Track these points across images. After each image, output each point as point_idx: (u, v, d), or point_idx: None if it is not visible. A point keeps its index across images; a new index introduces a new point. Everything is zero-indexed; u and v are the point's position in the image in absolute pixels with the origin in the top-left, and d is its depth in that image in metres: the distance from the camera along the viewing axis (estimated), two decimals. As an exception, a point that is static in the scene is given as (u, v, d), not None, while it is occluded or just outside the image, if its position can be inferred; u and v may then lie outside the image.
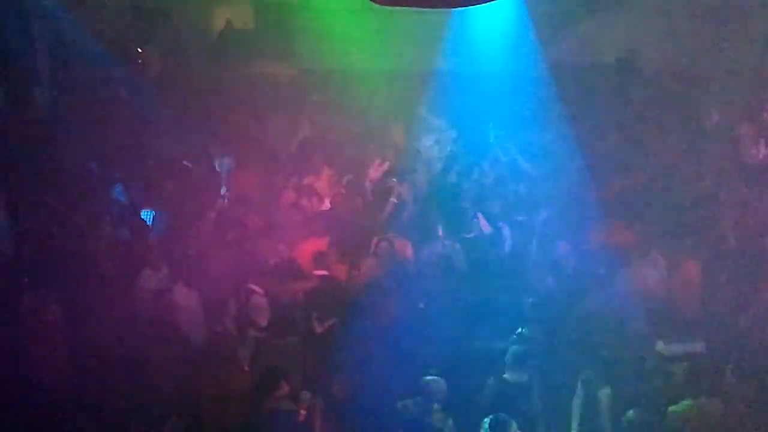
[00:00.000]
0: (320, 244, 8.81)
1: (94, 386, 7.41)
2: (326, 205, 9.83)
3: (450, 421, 6.46)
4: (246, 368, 7.01)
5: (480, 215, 8.83)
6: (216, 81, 11.17)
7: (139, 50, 11.28)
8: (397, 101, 11.34)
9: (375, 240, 8.81)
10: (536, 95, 10.44)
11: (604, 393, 6.80)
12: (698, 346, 7.38)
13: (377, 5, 7.63)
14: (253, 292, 8.03)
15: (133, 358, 7.32)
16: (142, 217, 9.37)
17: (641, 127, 10.01)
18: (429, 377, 6.58)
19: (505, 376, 6.80)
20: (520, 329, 7.27)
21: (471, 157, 10.53)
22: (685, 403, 6.48)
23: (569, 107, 10.15)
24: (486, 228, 8.78)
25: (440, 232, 8.88)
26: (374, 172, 10.03)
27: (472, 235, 8.78)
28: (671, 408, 6.44)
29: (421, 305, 7.71)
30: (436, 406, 6.40)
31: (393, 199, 9.63)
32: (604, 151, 10.01)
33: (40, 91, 10.82)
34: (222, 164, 10.50)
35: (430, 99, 10.96)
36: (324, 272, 8.25)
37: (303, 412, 6.51)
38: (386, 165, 10.04)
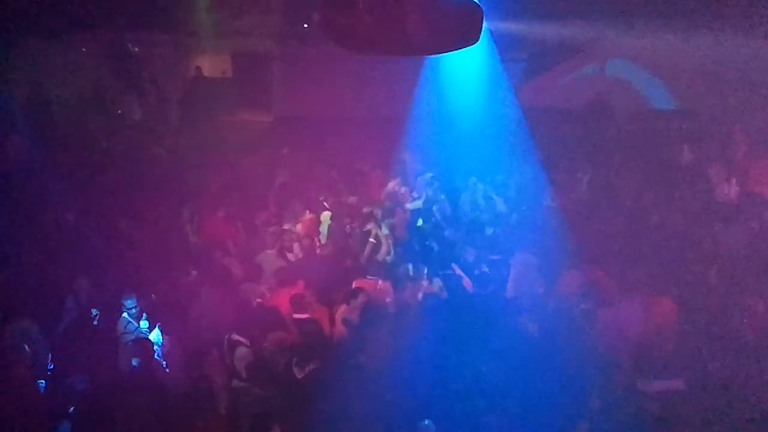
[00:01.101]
0: (300, 288, 8.82)
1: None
2: (307, 249, 9.88)
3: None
4: (223, 414, 6.95)
5: (455, 266, 8.85)
6: (194, 128, 11.27)
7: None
8: (373, 146, 11.49)
9: (353, 284, 8.85)
10: (510, 138, 10.63)
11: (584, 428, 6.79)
12: (677, 384, 7.41)
13: (350, 53, 7.76)
14: (237, 342, 8.01)
15: (111, 406, 7.28)
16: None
17: (614, 168, 10.21)
18: (421, 423, 6.54)
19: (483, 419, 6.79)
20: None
21: (448, 198, 10.68)
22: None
23: (542, 150, 10.34)
24: (462, 276, 8.82)
25: (418, 274, 8.89)
26: (354, 216, 10.11)
27: (450, 273, 8.80)
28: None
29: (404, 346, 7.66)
30: None
31: (372, 240, 9.70)
32: (577, 193, 10.18)
33: (18, 139, 10.86)
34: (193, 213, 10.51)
35: (405, 143, 11.09)
36: (305, 316, 8.22)
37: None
38: (366, 208, 10.13)
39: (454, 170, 10.82)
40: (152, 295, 8.79)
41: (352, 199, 11.15)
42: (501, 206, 10.24)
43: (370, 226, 9.94)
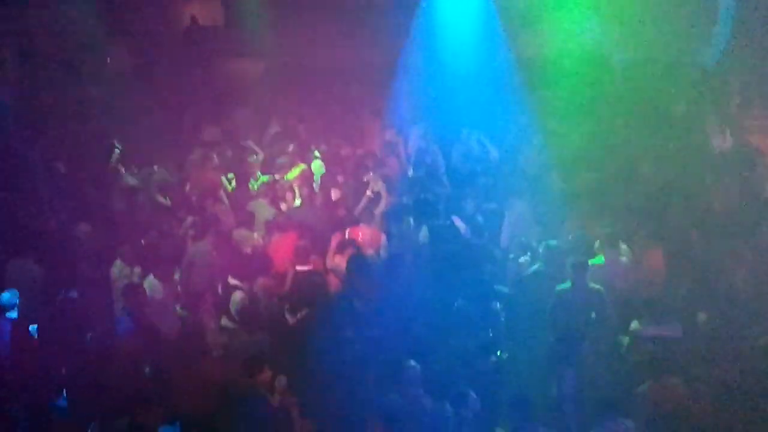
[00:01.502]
0: (294, 237, 8.83)
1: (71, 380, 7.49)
2: (300, 199, 9.86)
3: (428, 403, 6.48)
4: (216, 357, 7.00)
5: (456, 218, 8.83)
6: (185, 77, 11.14)
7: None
8: (366, 95, 11.37)
9: (347, 233, 8.86)
10: (505, 89, 10.55)
11: (572, 374, 6.87)
12: (672, 330, 7.44)
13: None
14: (234, 286, 8.05)
15: (109, 350, 7.34)
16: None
17: (608, 119, 10.16)
18: (406, 363, 6.58)
19: (473, 362, 6.84)
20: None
21: (443, 149, 10.64)
22: (649, 384, 6.54)
23: (537, 101, 10.27)
24: (461, 226, 8.80)
25: (410, 223, 8.88)
26: (347, 166, 10.07)
27: (445, 223, 8.79)
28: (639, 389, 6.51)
29: (393, 294, 7.69)
30: (414, 391, 6.41)
31: (369, 193, 9.66)
32: (572, 143, 10.13)
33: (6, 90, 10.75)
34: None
35: (398, 93, 10.99)
36: (305, 267, 8.24)
37: (277, 397, 6.51)
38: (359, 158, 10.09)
39: (448, 120, 10.73)
40: (144, 242, 8.82)
41: (346, 150, 11.11)
42: (495, 155, 10.18)
43: (367, 177, 9.90)
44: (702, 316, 7.22)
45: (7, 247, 8.64)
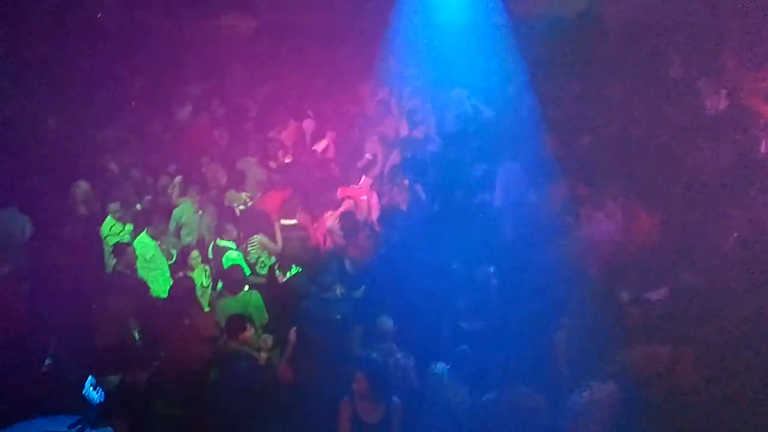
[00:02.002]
0: (286, 194, 8.81)
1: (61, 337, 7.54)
2: (291, 157, 9.82)
3: (411, 361, 6.56)
4: (208, 312, 7.06)
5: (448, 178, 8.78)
6: (176, 32, 10.99)
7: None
8: (363, 54, 11.23)
9: (339, 192, 8.86)
10: (499, 49, 10.43)
11: (559, 338, 6.90)
12: (659, 293, 7.46)
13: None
14: (224, 248, 8.07)
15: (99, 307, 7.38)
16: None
17: (602, 80, 10.07)
18: (380, 318, 6.66)
19: (461, 324, 6.89)
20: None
21: (435, 109, 10.57)
22: (634, 346, 6.59)
23: (531, 61, 10.16)
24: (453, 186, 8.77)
25: (405, 183, 8.87)
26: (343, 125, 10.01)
27: (437, 183, 8.79)
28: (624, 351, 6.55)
29: (384, 254, 7.72)
30: (391, 345, 6.48)
31: (368, 155, 9.63)
32: (565, 104, 10.07)
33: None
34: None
35: (391, 51, 10.86)
36: (292, 222, 8.23)
37: (263, 355, 6.57)
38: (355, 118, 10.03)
39: (441, 79, 10.63)
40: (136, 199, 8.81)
41: (339, 109, 11.01)
42: (488, 115, 10.12)
43: (363, 137, 9.86)
44: (689, 280, 7.21)
45: None
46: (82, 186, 8.60)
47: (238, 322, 6.52)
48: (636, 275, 7.47)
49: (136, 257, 7.86)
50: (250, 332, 6.52)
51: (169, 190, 9.04)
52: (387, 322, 6.56)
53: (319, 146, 10.01)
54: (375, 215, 8.66)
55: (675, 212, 8.10)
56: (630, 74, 10.26)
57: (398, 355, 6.42)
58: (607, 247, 7.89)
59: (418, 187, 8.74)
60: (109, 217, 8.36)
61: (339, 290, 7.00)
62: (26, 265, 8.07)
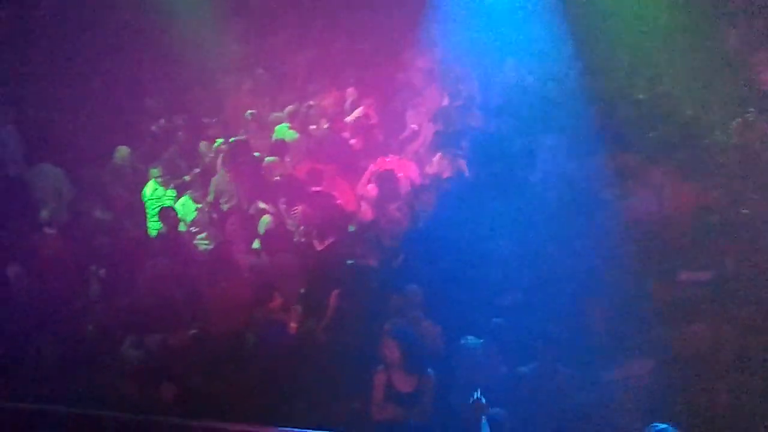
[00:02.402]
0: (323, 165, 8.81)
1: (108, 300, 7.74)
2: (332, 126, 9.80)
3: (439, 329, 6.57)
4: (245, 276, 7.14)
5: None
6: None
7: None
8: (408, 21, 11.05)
9: (378, 161, 8.83)
10: (547, 19, 10.20)
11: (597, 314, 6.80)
12: (701, 274, 7.30)
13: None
14: (263, 210, 8.14)
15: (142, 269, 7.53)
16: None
17: (652, 51, 9.77)
18: (408, 286, 6.67)
19: (497, 298, 6.86)
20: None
21: (480, 79, 10.42)
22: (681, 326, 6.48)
23: (580, 31, 9.92)
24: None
25: (445, 154, 8.77)
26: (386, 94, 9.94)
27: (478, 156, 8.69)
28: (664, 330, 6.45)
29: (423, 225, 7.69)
30: (418, 314, 6.50)
31: (414, 126, 9.54)
32: (613, 76, 9.83)
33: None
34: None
35: (438, 19, 10.68)
36: (319, 188, 8.25)
37: (293, 325, 6.63)
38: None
39: (487, 48, 10.43)
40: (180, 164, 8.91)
41: (381, 77, 10.91)
42: (534, 85, 9.92)
43: (406, 106, 9.76)
44: (730, 261, 7.04)
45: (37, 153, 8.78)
46: (122, 150, 8.73)
47: (265, 291, 6.58)
48: (679, 252, 7.30)
49: (179, 221, 7.99)
50: (277, 301, 6.58)
51: (211, 155, 9.12)
52: (414, 291, 6.57)
53: (353, 116, 9.92)
54: (413, 187, 8.58)
55: (723, 189, 7.90)
56: (681, 46, 9.92)
57: (424, 323, 6.46)
58: (650, 222, 7.77)
59: (459, 159, 8.63)
60: (151, 181, 8.48)
61: (374, 259, 7.00)
62: (69, 225, 8.26)
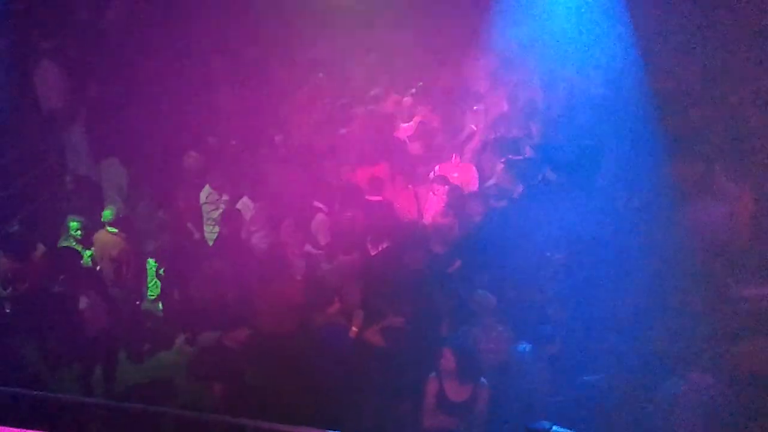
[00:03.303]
0: (382, 168, 8.80)
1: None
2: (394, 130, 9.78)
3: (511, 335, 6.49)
4: (299, 280, 7.18)
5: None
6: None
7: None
8: (472, 25, 10.92)
9: (438, 169, 8.78)
10: (612, 24, 9.96)
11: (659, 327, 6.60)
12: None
13: None
14: (317, 209, 8.18)
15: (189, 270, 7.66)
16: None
17: (725, 52, 9.41)
18: (479, 292, 6.61)
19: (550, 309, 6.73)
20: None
21: (542, 85, 10.25)
22: (744, 342, 6.25)
23: (645, 35, 9.66)
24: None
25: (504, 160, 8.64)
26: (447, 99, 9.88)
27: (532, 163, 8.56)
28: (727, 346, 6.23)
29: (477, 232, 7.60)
30: (491, 320, 6.48)
31: (473, 126, 9.46)
32: (682, 79, 9.53)
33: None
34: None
35: (504, 23, 10.53)
36: (378, 198, 8.24)
37: (355, 329, 6.63)
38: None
39: (550, 54, 10.24)
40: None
41: (443, 82, 10.84)
42: (598, 92, 9.70)
43: (466, 111, 9.69)
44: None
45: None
46: (193, 156, 8.92)
47: (324, 296, 6.60)
48: (747, 265, 7.05)
49: (243, 222, 8.10)
50: (336, 306, 6.59)
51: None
52: (488, 297, 6.55)
53: (414, 121, 9.88)
54: (468, 192, 8.49)
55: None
56: (755, 48, 9.53)
57: (500, 328, 6.45)
58: (715, 233, 7.52)
59: (518, 165, 8.50)
60: (207, 186, 8.62)
61: (425, 265, 6.96)
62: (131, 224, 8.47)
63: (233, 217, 8.05)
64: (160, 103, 9.57)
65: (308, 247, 7.74)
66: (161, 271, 8.41)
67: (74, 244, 7.91)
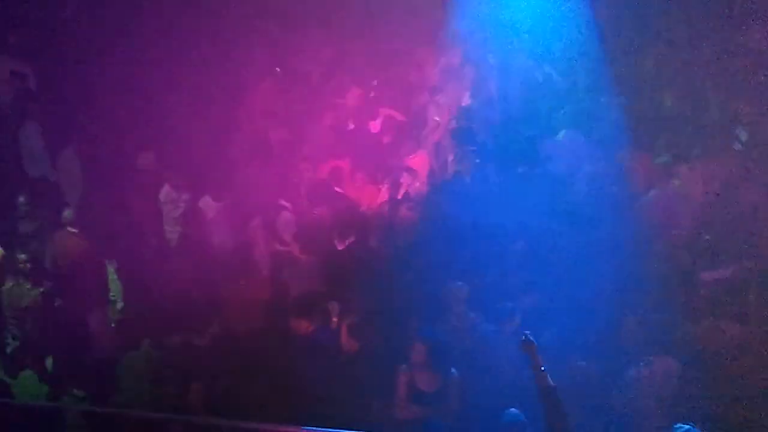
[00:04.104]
0: (345, 162, 8.80)
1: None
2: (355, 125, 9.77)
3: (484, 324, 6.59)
4: (266, 276, 7.17)
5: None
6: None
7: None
8: (430, 18, 10.95)
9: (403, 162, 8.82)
10: (571, 18, 10.06)
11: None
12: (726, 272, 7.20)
13: None
14: (282, 207, 8.15)
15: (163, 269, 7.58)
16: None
17: (681, 47, 9.60)
18: (452, 282, 6.70)
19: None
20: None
21: (501, 76, 10.32)
22: (705, 324, 6.42)
23: (606, 26, 9.79)
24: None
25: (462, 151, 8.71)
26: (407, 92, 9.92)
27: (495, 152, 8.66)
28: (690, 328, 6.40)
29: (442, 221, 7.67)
30: (464, 309, 6.59)
31: (437, 118, 9.51)
32: (640, 71, 9.69)
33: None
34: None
35: (460, 16, 10.57)
36: (341, 190, 8.25)
37: (335, 319, 6.66)
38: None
39: (509, 45, 10.32)
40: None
41: (403, 75, 10.85)
42: (558, 82, 9.81)
43: (427, 104, 9.74)
44: (753, 259, 6.92)
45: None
46: (147, 156, 8.82)
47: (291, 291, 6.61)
48: (706, 249, 7.23)
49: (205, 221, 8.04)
50: (304, 302, 6.59)
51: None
52: (460, 287, 6.65)
53: (373, 125, 9.92)
54: (427, 185, 8.56)
55: (750, 187, 7.77)
56: (711, 37, 9.71)
57: (472, 315, 6.56)
58: (674, 220, 7.69)
59: (477, 157, 8.59)
60: (166, 185, 8.54)
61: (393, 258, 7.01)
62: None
63: (194, 217, 7.99)
64: (116, 102, 9.42)
65: (275, 245, 7.71)
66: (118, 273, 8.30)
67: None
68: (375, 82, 10.57)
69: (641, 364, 6.05)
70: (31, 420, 5.89)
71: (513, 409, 5.42)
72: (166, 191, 8.55)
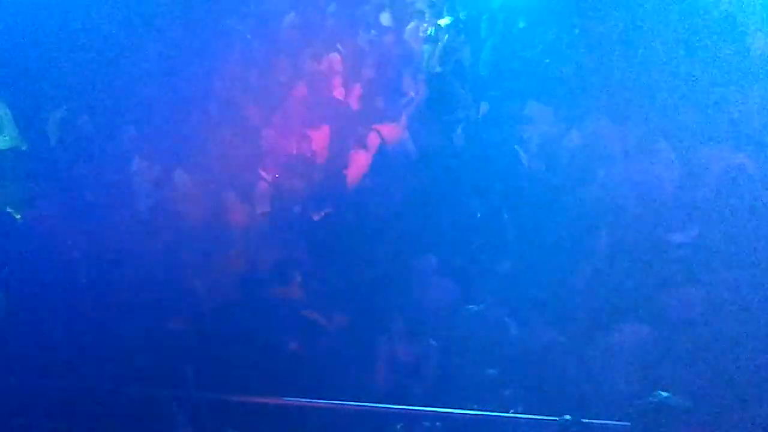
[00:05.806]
0: (322, 130, 8.77)
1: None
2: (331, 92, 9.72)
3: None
4: (240, 249, 7.18)
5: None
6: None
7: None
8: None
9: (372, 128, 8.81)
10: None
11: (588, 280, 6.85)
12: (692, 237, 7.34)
13: None
14: (259, 178, 8.13)
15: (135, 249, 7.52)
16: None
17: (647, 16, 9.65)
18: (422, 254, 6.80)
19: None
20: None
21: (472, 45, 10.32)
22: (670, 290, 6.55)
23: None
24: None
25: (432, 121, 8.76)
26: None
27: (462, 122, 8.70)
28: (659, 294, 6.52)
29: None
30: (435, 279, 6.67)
31: (412, 94, 9.51)
32: (607, 41, 9.74)
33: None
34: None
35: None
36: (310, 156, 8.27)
37: (297, 296, 6.70)
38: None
39: (473, 13, 10.33)
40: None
41: (371, 43, 10.77)
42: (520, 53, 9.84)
43: (399, 73, 9.72)
44: (723, 224, 7.07)
45: None
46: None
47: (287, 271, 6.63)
48: (674, 210, 7.32)
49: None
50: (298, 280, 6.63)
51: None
52: (428, 257, 6.67)
53: (349, 92, 9.88)
54: (405, 154, 8.58)
55: (716, 156, 7.89)
56: (672, 10, 9.81)
57: (440, 286, 6.64)
58: (646, 185, 7.80)
59: (442, 126, 8.64)
60: (136, 157, 8.45)
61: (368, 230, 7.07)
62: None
63: (167, 189, 7.92)
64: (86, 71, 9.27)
65: (250, 216, 7.70)
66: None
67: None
68: (341, 49, 10.46)
69: (612, 330, 6.15)
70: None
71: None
72: (137, 162, 8.44)
